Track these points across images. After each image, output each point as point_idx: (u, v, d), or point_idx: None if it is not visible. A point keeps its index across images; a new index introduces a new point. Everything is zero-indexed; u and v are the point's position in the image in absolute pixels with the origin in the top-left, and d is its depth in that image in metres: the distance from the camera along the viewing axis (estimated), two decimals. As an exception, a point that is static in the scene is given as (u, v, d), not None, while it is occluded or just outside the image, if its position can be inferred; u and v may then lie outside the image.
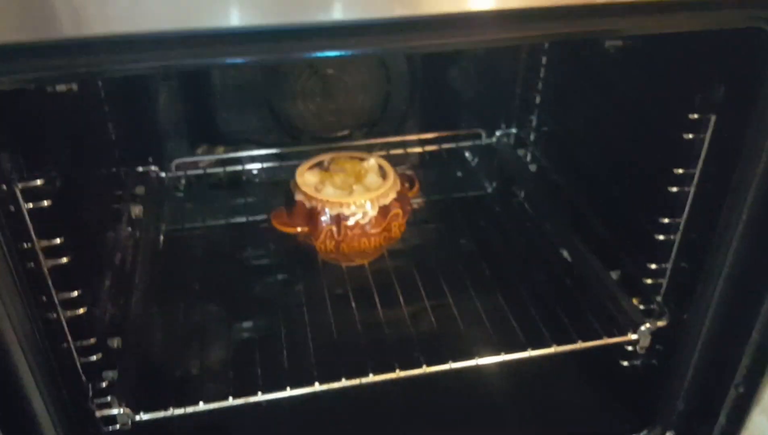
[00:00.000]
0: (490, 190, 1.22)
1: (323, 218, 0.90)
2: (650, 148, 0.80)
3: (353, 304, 0.90)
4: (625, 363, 0.89)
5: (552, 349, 0.79)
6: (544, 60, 1.08)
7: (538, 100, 1.13)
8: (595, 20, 0.57)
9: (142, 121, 1.08)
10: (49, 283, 0.62)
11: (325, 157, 1.00)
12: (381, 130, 1.19)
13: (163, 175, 1.10)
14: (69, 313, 0.66)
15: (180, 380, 0.86)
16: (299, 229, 0.92)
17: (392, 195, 0.92)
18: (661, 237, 0.78)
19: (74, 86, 0.76)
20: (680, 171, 0.73)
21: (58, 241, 0.62)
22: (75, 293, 0.66)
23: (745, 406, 0.76)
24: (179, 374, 0.87)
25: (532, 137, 1.16)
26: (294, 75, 1.11)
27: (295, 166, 1.12)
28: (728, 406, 0.77)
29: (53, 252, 0.63)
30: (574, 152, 1.02)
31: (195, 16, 0.49)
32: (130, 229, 1.00)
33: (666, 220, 0.76)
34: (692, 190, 0.73)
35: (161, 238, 1.08)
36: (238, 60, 0.59)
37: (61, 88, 0.75)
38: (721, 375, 0.76)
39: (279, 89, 1.12)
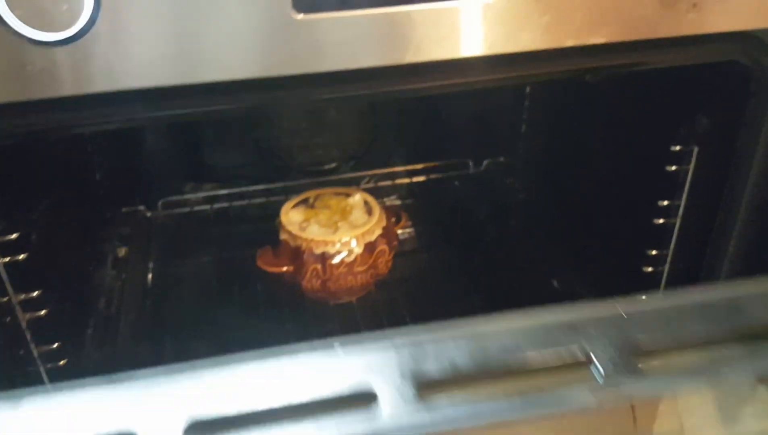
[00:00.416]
0: (480, 218, 1.21)
1: (308, 257, 0.89)
2: (635, 179, 0.79)
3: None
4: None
5: None
6: (528, 90, 1.08)
7: (524, 129, 1.13)
8: (572, 59, 0.57)
9: (126, 160, 1.07)
10: (27, 336, 0.61)
11: (310, 195, 0.99)
12: (369, 163, 1.19)
13: (149, 214, 1.09)
14: (50, 365, 0.65)
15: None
16: (285, 269, 0.91)
17: (378, 231, 0.91)
18: (650, 269, 0.77)
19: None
20: (665, 203, 0.73)
21: (35, 293, 0.61)
22: (55, 345, 0.65)
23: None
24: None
25: (518, 166, 1.16)
26: (279, 110, 1.10)
27: (283, 201, 1.12)
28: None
29: (31, 305, 0.62)
30: (561, 181, 1.01)
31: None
32: (115, 272, 0.99)
33: (653, 252, 0.76)
34: (678, 221, 0.73)
35: (149, 276, 1.07)
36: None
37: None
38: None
39: (264, 125, 1.11)
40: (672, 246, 0.75)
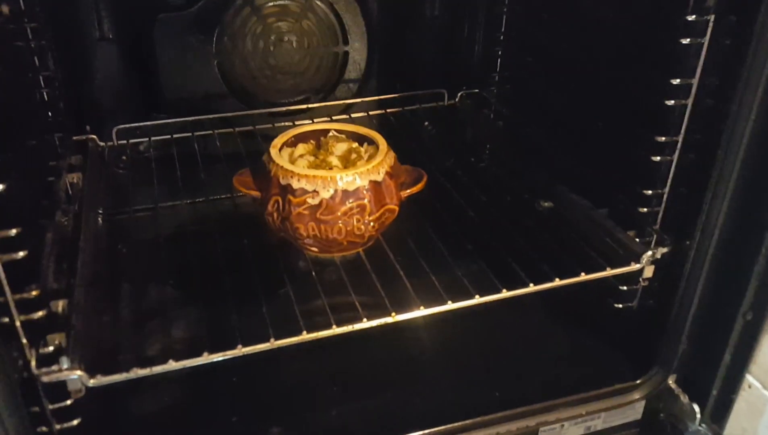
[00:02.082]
0: (459, 148, 1.17)
1: (273, 185, 0.76)
2: (641, 62, 0.75)
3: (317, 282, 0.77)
4: (619, 305, 0.84)
5: (550, 284, 0.73)
6: (505, 7, 1.05)
7: (500, 53, 1.09)
8: None
9: (78, 82, 0.97)
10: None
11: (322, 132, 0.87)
12: (339, 95, 1.13)
13: (102, 144, 0.99)
14: (5, 257, 0.55)
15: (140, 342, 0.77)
16: (254, 193, 0.80)
17: (363, 181, 0.75)
18: (657, 158, 0.73)
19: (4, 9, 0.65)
20: (676, 81, 0.69)
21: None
22: (13, 231, 0.55)
23: (754, 334, 0.72)
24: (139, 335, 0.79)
25: (495, 94, 1.12)
26: (243, 35, 1.03)
27: (251, 134, 1.04)
28: (735, 339, 0.73)
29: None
30: (546, 99, 0.98)
31: None
32: (66, 205, 0.89)
33: (662, 139, 0.72)
34: (690, 102, 0.70)
35: (100, 221, 0.97)
36: None
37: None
38: (727, 304, 0.72)
39: (228, 51, 1.04)
40: (682, 131, 0.71)
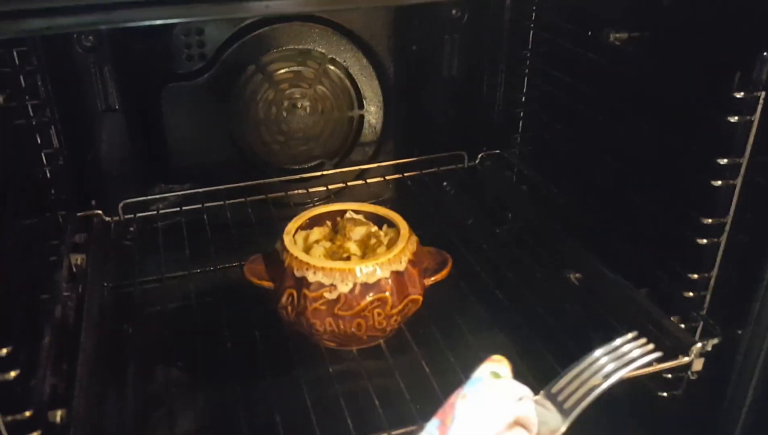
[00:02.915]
0: (483, 215, 1.11)
1: (287, 277, 0.71)
2: (684, 138, 0.70)
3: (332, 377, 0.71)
4: (664, 394, 0.77)
5: None
6: (527, 68, 1.00)
7: (522, 114, 1.04)
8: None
9: (82, 156, 0.93)
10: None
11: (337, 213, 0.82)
12: (354, 159, 1.08)
13: (108, 219, 0.95)
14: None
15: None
16: (267, 284, 0.74)
17: (384, 273, 0.70)
18: (704, 241, 0.68)
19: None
20: (724, 161, 0.64)
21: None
22: (3, 351, 0.50)
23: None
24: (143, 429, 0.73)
25: (517, 156, 1.07)
26: (255, 102, 0.99)
27: (263, 202, 1.00)
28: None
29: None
30: (574, 164, 0.92)
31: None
32: (70, 284, 0.85)
33: (709, 221, 0.67)
34: (739, 182, 0.64)
35: (105, 294, 0.92)
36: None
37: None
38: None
39: (240, 118, 1.00)
40: (731, 212, 0.66)
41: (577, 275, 0.89)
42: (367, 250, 0.75)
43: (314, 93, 1.01)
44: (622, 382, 0.73)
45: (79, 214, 0.92)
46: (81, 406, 0.63)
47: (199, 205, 0.98)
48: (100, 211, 0.94)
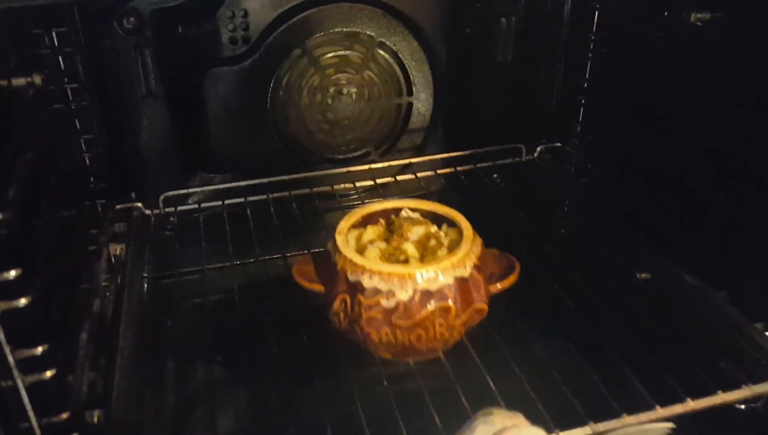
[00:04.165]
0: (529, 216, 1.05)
1: (340, 281, 0.65)
2: (764, 131, 0.64)
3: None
4: (742, 407, 0.71)
5: (681, 407, 0.59)
6: (590, 52, 0.94)
7: (583, 102, 0.98)
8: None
9: (122, 143, 0.90)
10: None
11: (392, 211, 0.75)
12: (401, 148, 1.03)
13: (148, 212, 0.91)
14: (30, 379, 0.46)
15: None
16: (317, 288, 0.69)
17: (447, 279, 0.63)
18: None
19: (37, 79, 0.58)
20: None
21: (13, 273, 0.44)
22: (39, 350, 0.46)
23: None
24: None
25: (576, 147, 1.01)
26: (300, 88, 0.94)
27: (307, 196, 0.95)
28: None
29: (7, 290, 0.44)
30: (641, 155, 0.86)
31: None
32: (109, 275, 0.81)
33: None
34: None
35: (145, 286, 0.88)
36: None
37: (19, 82, 0.57)
38: None
39: (284, 105, 0.95)
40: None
41: (645, 275, 0.83)
42: (426, 253, 0.68)
43: (361, 78, 0.96)
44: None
45: (118, 206, 0.89)
46: (119, 406, 0.59)
47: (242, 199, 0.93)
48: (140, 204, 0.90)
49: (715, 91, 0.72)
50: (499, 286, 0.67)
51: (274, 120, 0.96)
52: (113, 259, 0.84)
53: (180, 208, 0.93)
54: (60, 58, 0.79)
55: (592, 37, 0.94)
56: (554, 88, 1.01)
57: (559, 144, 1.02)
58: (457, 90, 1.02)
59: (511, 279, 0.68)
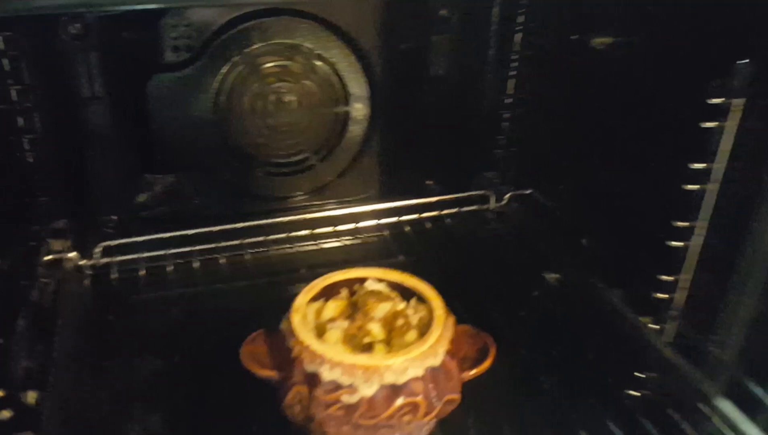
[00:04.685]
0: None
1: (296, 370, 0.58)
2: (660, 143, 0.71)
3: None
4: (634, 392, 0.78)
5: None
6: (514, 71, 1.01)
7: (509, 118, 1.06)
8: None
9: (66, 143, 0.93)
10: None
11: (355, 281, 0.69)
12: (340, 156, 1.09)
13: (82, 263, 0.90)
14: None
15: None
16: (269, 375, 0.61)
17: (417, 370, 0.57)
18: (676, 243, 0.69)
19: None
20: (697, 166, 0.65)
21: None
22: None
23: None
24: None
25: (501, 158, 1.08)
26: (241, 95, 0.99)
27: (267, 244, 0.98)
28: None
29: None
30: (562, 165, 0.94)
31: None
32: (50, 270, 0.85)
33: (683, 224, 0.68)
34: (714, 188, 0.65)
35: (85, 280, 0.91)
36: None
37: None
38: (753, 402, 0.67)
39: (226, 111, 1.00)
40: (706, 216, 0.67)
41: (555, 276, 0.91)
42: (393, 334, 0.62)
43: (301, 88, 1.01)
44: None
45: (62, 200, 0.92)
46: (56, 389, 0.63)
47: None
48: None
49: (614, 108, 0.80)
50: (472, 372, 0.62)
51: (217, 125, 1.00)
52: (54, 254, 0.87)
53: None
54: (5, 60, 0.82)
55: (517, 57, 1.01)
56: (483, 104, 1.08)
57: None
58: (393, 101, 1.08)
59: (486, 364, 0.62)
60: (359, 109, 1.06)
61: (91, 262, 0.90)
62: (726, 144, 0.62)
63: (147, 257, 0.93)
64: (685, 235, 0.69)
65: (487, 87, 1.07)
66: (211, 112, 0.99)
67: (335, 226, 1.04)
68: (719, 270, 0.66)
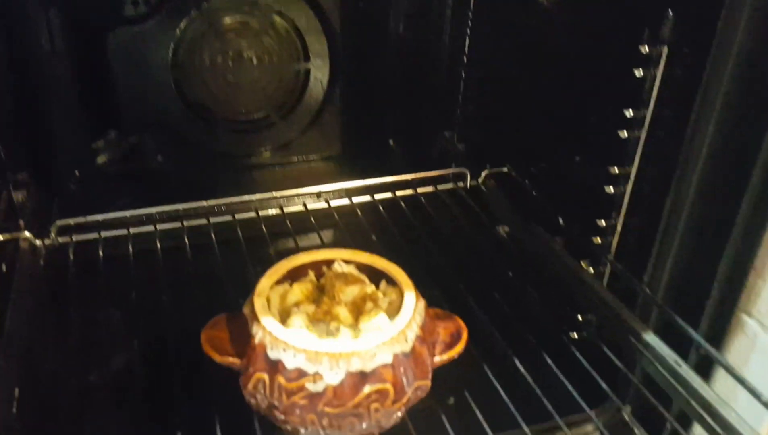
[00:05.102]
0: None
1: (257, 357, 0.54)
2: (597, 93, 0.74)
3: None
4: (575, 335, 0.82)
5: None
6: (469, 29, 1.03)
7: (464, 74, 1.08)
8: None
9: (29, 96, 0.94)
10: None
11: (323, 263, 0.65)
12: (300, 114, 1.11)
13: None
14: None
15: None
16: (231, 361, 0.57)
17: (385, 357, 0.54)
18: (611, 189, 0.72)
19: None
20: (630, 113, 0.68)
21: None
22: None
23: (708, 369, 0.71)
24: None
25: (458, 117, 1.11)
26: (200, 50, 1.01)
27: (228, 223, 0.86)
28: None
29: None
30: (511, 122, 0.96)
31: None
32: (10, 222, 0.86)
33: (616, 170, 0.71)
34: (643, 134, 0.68)
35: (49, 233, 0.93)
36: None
37: None
38: (680, 340, 0.71)
39: (185, 66, 1.01)
40: (636, 162, 0.70)
41: (506, 229, 0.94)
42: (361, 318, 0.58)
43: (260, 44, 1.03)
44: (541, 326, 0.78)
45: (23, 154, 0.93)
46: (14, 323, 0.65)
47: (152, 228, 0.85)
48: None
49: (555, 61, 0.82)
50: (446, 356, 0.59)
51: (177, 80, 1.02)
52: (16, 204, 0.88)
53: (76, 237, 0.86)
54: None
55: (471, 15, 1.03)
56: (441, 60, 1.10)
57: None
58: (353, 58, 1.10)
59: (458, 349, 0.60)
60: (319, 66, 1.08)
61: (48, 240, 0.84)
62: (655, 91, 0.66)
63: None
64: (619, 181, 0.72)
65: (445, 45, 1.09)
66: (170, 67, 1.00)
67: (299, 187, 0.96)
68: (648, 214, 0.69)
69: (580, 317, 0.80)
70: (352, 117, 1.14)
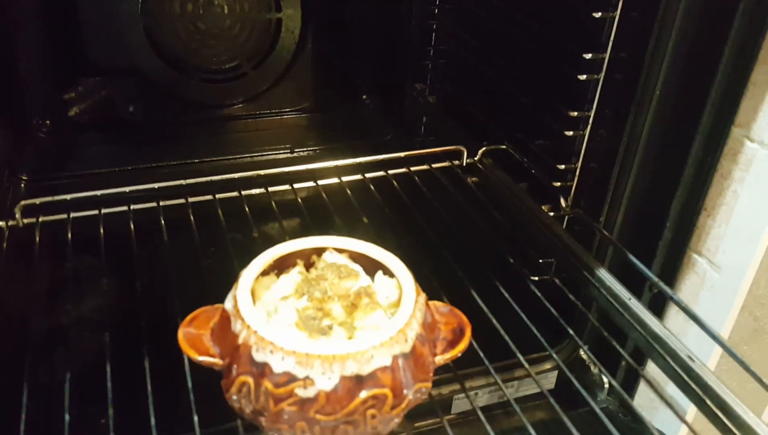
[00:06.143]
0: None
1: (241, 359, 0.48)
2: (560, 37, 0.76)
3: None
4: (535, 278, 0.84)
5: None
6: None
7: (434, 27, 1.09)
8: None
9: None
10: None
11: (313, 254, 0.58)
12: (272, 64, 1.11)
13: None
14: None
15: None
16: (213, 362, 0.50)
17: (383, 359, 0.48)
18: (570, 133, 0.74)
19: None
20: (589, 55, 0.69)
21: None
22: None
23: (659, 307, 0.74)
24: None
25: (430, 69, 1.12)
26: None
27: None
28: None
29: None
30: (479, 76, 0.98)
31: None
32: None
33: (575, 114, 0.73)
34: (601, 77, 0.70)
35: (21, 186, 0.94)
36: None
37: None
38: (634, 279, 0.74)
39: (155, 11, 1.01)
40: (594, 106, 0.72)
41: (474, 179, 0.96)
42: (356, 315, 0.52)
43: (232, -10, 1.03)
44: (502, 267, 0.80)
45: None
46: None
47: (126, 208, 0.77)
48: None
49: (521, 7, 0.84)
50: (447, 356, 0.53)
51: (147, 26, 1.02)
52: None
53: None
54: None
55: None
56: (413, 12, 1.10)
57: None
58: (325, 9, 1.10)
59: (461, 347, 0.54)
60: (291, 16, 1.08)
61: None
62: (611, 36, 0.67)
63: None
64: (577, 124, 0.74)
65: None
66: (139, 12, 0.99)
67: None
68: (604, 158, 0.72)
69: (540, 260, 0.82)
70: (325, 70, 1.14)
